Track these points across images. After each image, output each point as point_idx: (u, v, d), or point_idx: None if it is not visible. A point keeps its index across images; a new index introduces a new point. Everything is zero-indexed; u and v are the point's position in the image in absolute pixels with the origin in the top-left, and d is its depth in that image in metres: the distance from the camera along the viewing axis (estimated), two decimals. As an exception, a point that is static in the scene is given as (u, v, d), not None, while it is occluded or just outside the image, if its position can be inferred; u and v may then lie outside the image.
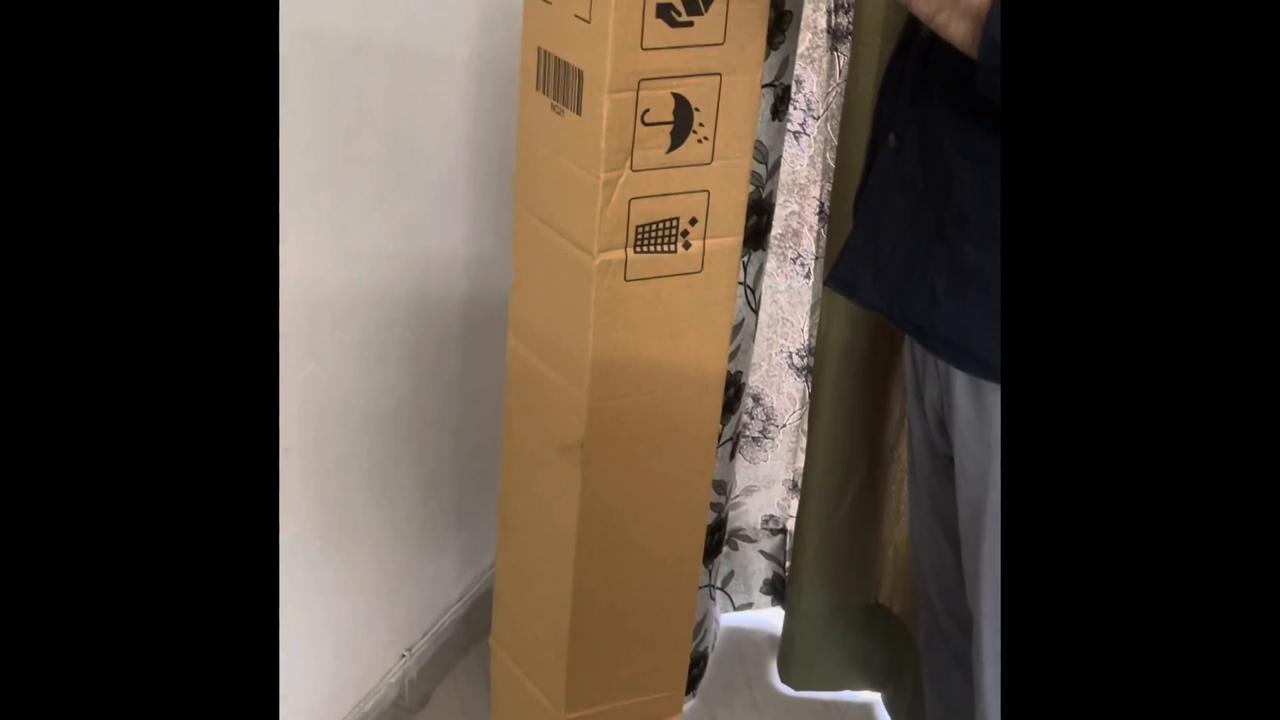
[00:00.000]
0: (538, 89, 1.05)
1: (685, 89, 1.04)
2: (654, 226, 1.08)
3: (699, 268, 1.11)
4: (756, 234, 1.39)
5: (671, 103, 1.04)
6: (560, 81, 1.03)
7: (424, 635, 1.68)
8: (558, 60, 1.02)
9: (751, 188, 1.34)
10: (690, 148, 1.06)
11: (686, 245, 1.10)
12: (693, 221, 1.09)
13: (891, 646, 1.68)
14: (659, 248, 1.09)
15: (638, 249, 1.09)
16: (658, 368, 1.14)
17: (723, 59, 1.03)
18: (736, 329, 1.43)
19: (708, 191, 1.08)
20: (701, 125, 1.05)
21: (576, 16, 0.99)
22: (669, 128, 1.05)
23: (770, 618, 1.90)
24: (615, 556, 1.23)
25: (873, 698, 1.75)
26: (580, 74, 1.01)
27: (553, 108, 1.05)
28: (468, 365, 1.60)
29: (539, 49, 1.03)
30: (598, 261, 1.07)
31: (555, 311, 1.15)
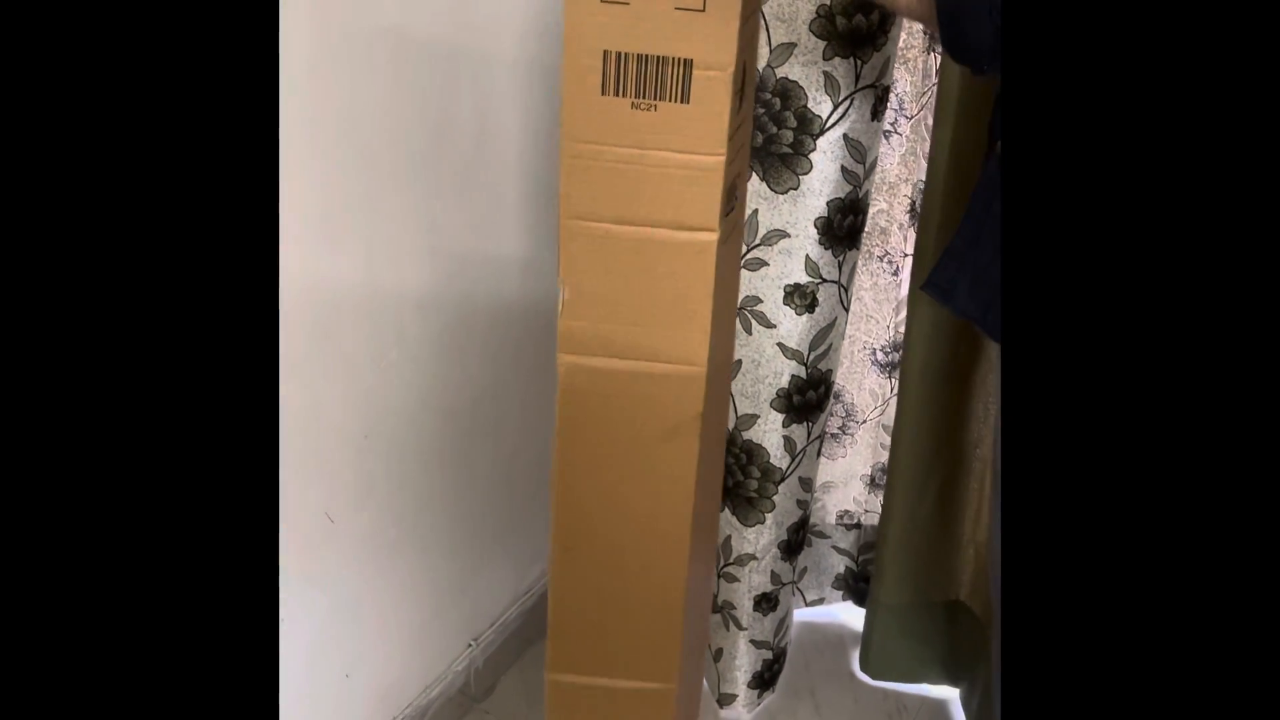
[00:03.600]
0: (604, 93, 1.05)
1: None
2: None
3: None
4: (852, 233, 1.37)
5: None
6: (646, 78, 1.03)
7: (492, 625, 1.68)
8: (642, 58, 1.02)
9: (849, 187, 1.32)
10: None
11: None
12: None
13: (969, 643, 1.67)
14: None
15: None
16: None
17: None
18: (829, 328, 1.41)
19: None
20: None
21: (680, 9, 0.99)
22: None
23: (841, 614, 1.90)
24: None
25: (943, 696, 1.74)
26: (688, 63, 1.01)
27: (634, 106, 1.04)
28: (547, 362, 1.59)
29: (605, 52, 1.02)
30: (715, 236, 1.07)
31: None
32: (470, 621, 1.63)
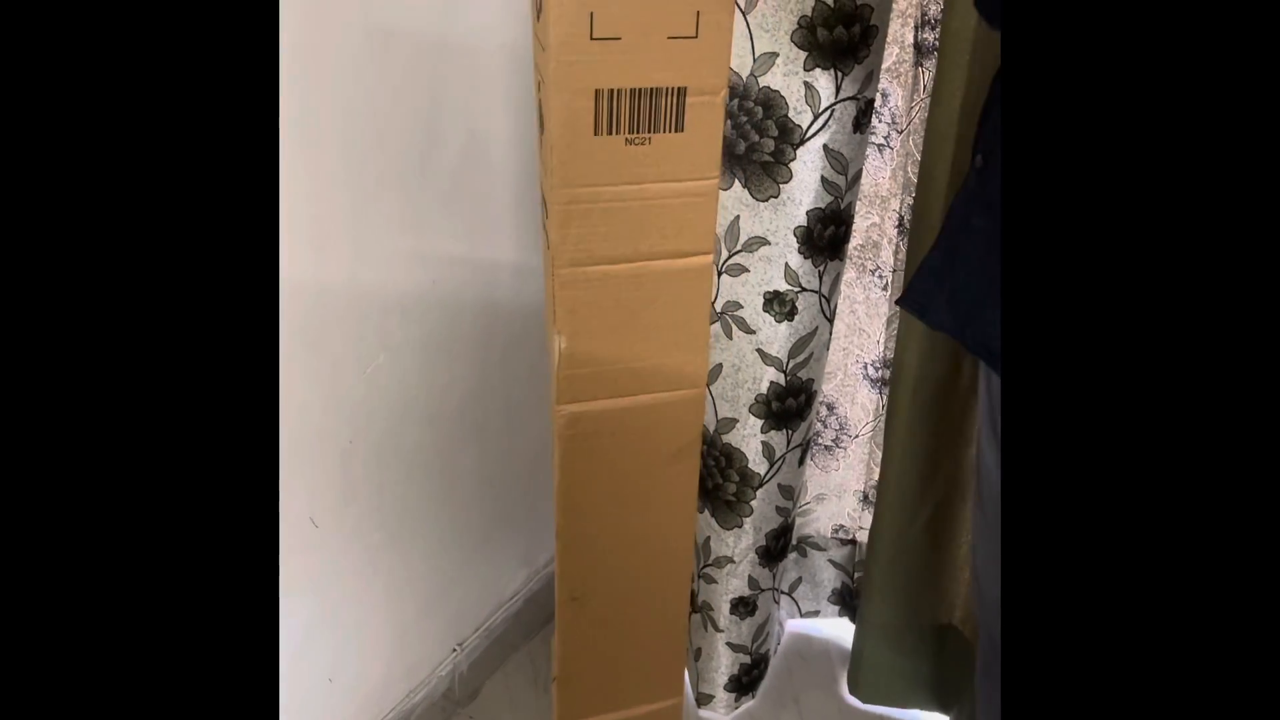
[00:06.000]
0: (597, 133, 1.03)
1: None
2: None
3: None
4: (834, 244, 1.38)
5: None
6: (639, 112, 1.01)
7: (476, 630, 1.68)
8: (635, 92, 1.01)
9: (830, 198, 1.33)
10: None
11: None
12: None
13: (961, 668, 1.66)
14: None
15: None
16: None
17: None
18: (810, 337, 1.42)
19: None
20: None
21: (673, 38, 0.98)
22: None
23: (835, 628, 1.90)
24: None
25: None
26: (682, 91, 1.00)
27: (628, 142, 1.03)
28: (533, 368, 1.60)
29: (597, 91, 1.01)
30: (710, 257, 1.08)
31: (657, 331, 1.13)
32: (454, 626, 1.64)
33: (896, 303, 1.13)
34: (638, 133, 0.99)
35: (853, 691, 1.74)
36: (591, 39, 0.95)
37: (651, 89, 0.97)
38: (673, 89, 0.97)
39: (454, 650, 1.63)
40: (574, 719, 1.28)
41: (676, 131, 1.00)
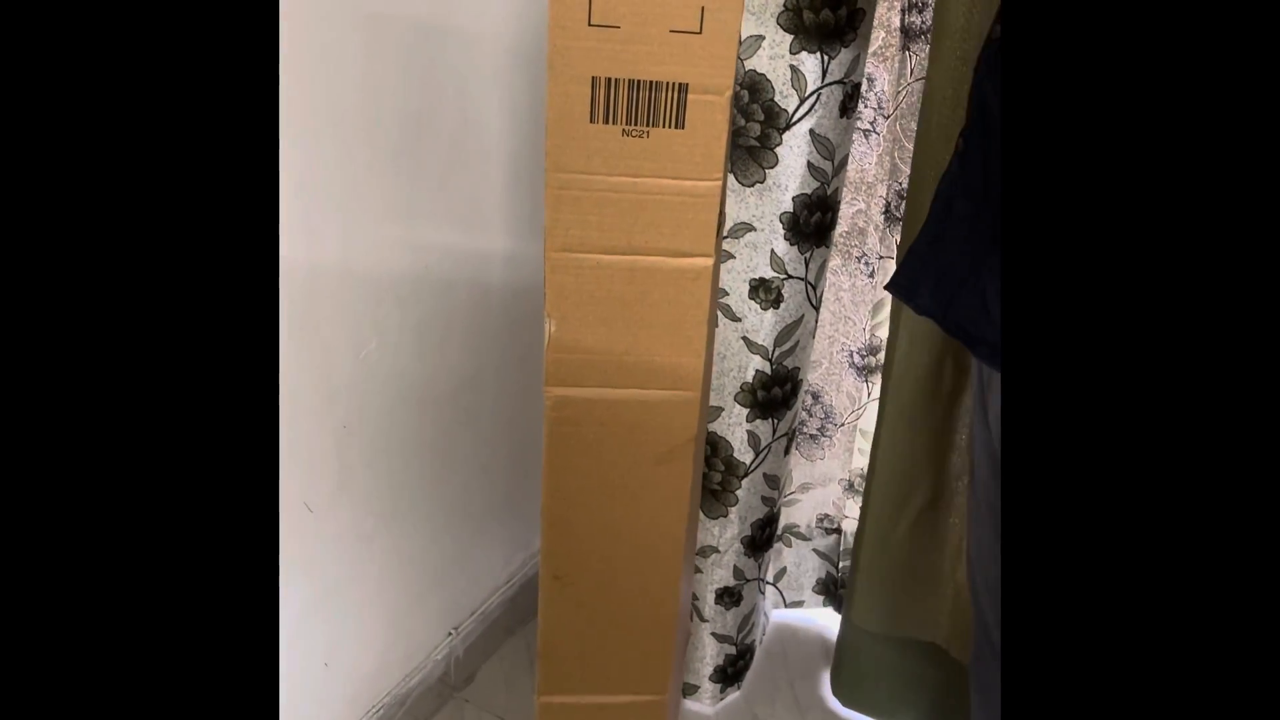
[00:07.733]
0: (593, 121, 1.03)
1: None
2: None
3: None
4: (820, 231, 1.39)
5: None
6: (638, 104, 1.01)
7: (472, 615, 1.69)
8: (633, 83, 1.01)
9: (816, 183, 1.34)
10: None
11: None
12: None
13: (947, 689, 1.64)
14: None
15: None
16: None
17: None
18: (796, 325, 1.43)
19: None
20: None
21: (675, 31, 0.97)
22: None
23: (820, 618, 1.90)
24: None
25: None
26: (683, 88, 0.99)
27: (626, 133, 1.03)
28: (527, 353, 1.61)
29: (594, 78, 1.01)
30: (711, 261, 1.06)
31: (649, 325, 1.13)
32: (450, 610, 1.65)
33: (886, 287, 1.14)
34: (635, 125, 0.98)
35: (835, 691, 1.73)
36: (589, 25, 0.94)
37: (651, 82, 0.96)
38: (673, 84, 0.96)
39: (449, 634, 1.64)
40: (555, 694, 1.29)
41: (677, 128, 0.98)
